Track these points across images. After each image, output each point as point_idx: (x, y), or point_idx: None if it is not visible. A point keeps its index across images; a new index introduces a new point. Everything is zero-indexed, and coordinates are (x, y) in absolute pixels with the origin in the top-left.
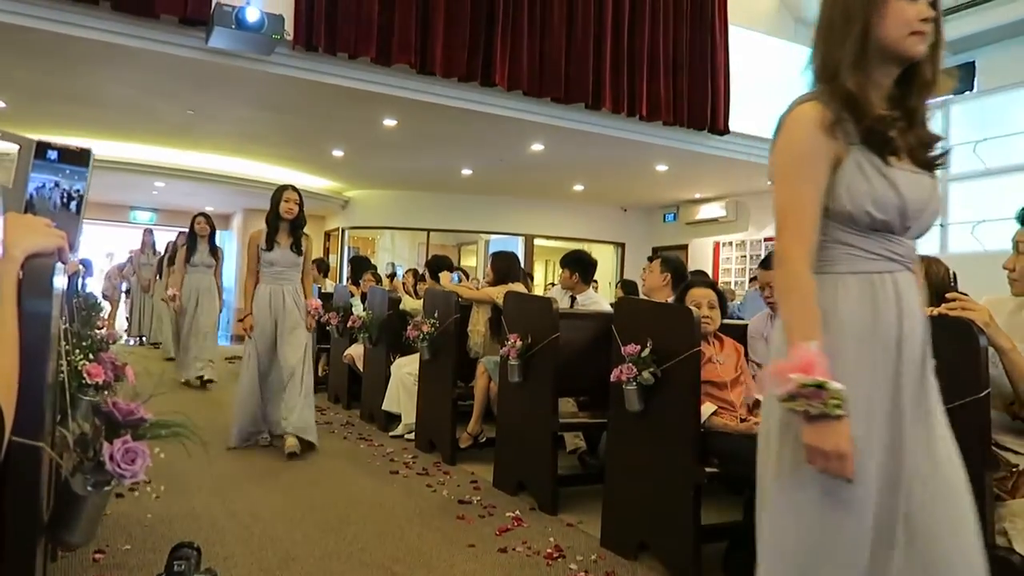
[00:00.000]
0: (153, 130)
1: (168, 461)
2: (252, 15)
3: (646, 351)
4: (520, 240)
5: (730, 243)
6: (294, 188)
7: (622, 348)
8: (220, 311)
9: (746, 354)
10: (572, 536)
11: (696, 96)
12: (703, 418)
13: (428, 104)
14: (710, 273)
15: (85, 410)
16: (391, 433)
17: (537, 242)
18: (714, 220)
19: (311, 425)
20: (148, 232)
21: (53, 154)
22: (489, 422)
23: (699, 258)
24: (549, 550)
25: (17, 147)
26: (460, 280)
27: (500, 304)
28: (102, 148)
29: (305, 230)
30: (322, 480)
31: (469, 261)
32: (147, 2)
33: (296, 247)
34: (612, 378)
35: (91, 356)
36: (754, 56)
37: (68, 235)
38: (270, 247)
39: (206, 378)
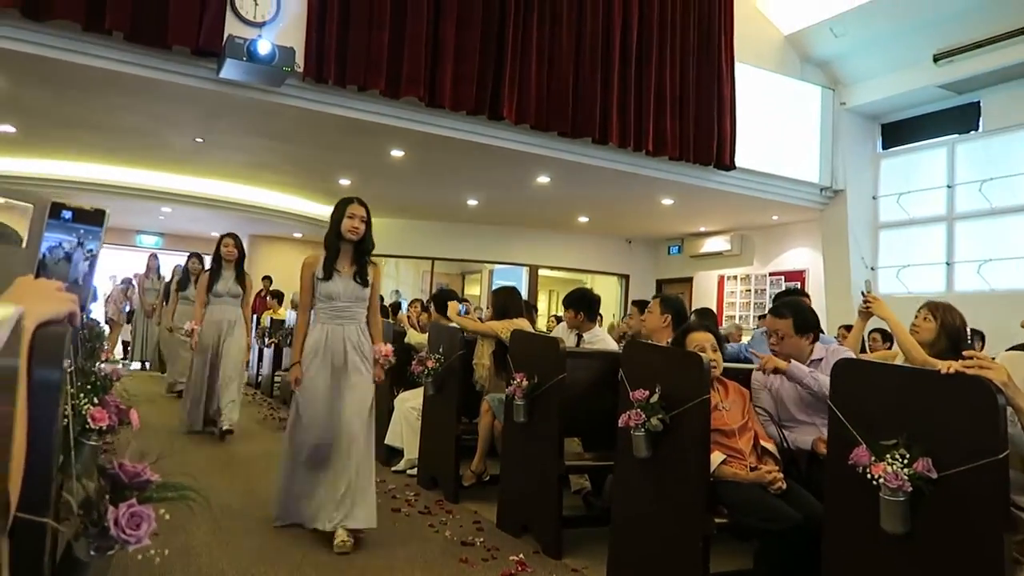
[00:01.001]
0: (161, 157)
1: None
2: (264, 48)
3: (655, 397)
4: (524, 271)
5: (734, 277)
6: (360, 201)
7: (630, 393)
8: (248, 349)
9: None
10: None
11: (702, 132)
12: (712, 467)
13: (436, 136)
14: (714, 306)
15: (88, 456)
16: (393, 468)
17: (541, 272)
18: (718, 253)
19: (373, 510)
20: (153, 256)
21: (67, 214)
22: (492, 459)
23: (703, 291)
24: None
25: (31, 207)
26: (467, 311)
27: (504, 339)
28: (109, 173)
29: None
30: None
31: (473, 290)
32: (160, 33)
33: (361, 276)
34: (620, 423)
35: (95, 399)
36: (760, 93)
37: (80, 296)
38: (328, 275)
39: (225, 428)
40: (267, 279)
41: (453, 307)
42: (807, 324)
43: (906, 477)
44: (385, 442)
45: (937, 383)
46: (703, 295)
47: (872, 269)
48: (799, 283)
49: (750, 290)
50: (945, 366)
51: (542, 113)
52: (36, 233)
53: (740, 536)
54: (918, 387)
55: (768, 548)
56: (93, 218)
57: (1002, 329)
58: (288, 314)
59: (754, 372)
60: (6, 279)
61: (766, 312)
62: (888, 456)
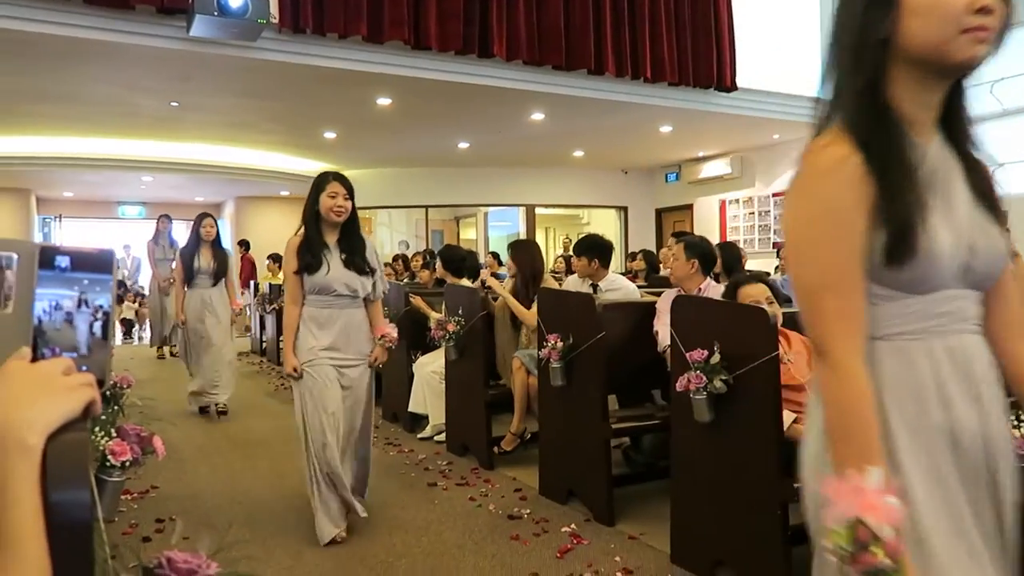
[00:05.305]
0: (136, 124)
1: (196, 494)
2: (235, 0)
3: (715, 357)
4: (520, 210)
5: (736, 200)
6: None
7: (686, 354)
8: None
9: None
10: (638, 552)
11: (701, 53)
12: (784, 427)
13: (424, 80)
14: (717, 233)
15: (112, 493)
16: (419, 435)
17: (538, 211)
18: (718, 177)
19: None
20: (164, 218)
21: (63, 260)
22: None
23: (705, 218)
24: (619, 573)
25: (14, 256)
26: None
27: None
28: (84, 145)
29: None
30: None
31: (468, 234)
32: None
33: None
34: (678, 387)
35: (112, 431)
36: (759, 6)
37: (97, 371)
38: (319, 263)
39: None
40: (243, 244)
41: (492, 279)
42: None
43: None
44: (409, 409)
45: None
46: (705, 221)
47: None
48: None
49: (754, 213)
50: None
51: (534, 47)
52: (26, 292)
53: None
54: None
55: None
56: (98, 262)
57: (1016, 234)
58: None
59: None
60: None
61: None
62: None
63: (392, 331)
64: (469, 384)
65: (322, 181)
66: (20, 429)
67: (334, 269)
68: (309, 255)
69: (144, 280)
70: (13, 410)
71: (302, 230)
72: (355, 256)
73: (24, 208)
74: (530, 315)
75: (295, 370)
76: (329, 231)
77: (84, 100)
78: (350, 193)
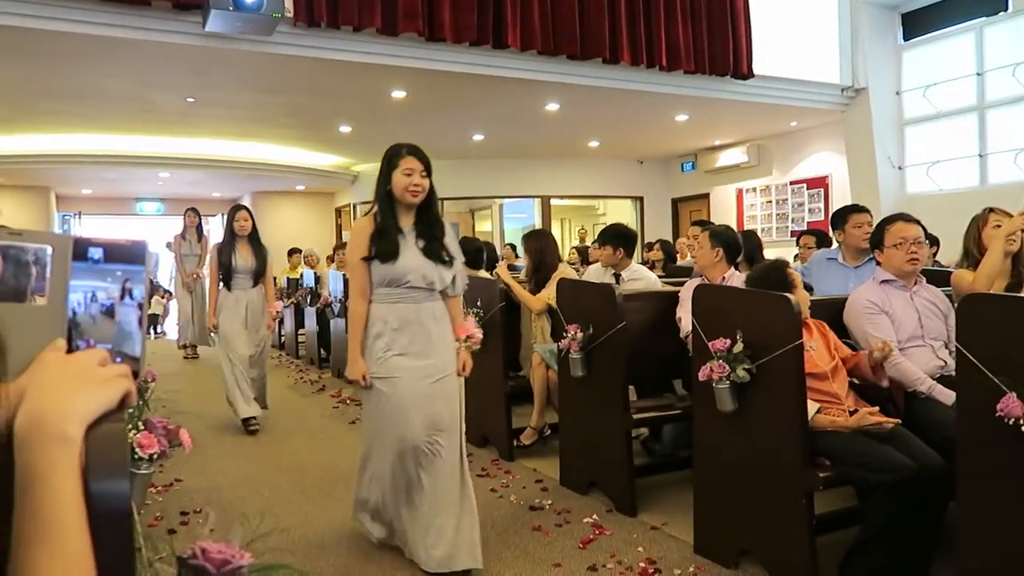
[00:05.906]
0: (153, 120)
1: (220, 486)
2: None
3: (738, 346)
4: (535, 202)
5: (754, 189)
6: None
7: (708, 343)
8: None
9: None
10: (661, 543)
11: (717, 40)
12: (807, 417)
13: (439, 72)
14: (734, 222)
15: (140, 485)
16: None
17: (553, 202)
18: (735, 166)
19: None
20: (192, 212)
21: (96, 252)
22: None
23: (722, 207)
24: (642, 564)
25: (49, 249)
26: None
27: (551, 306)
28: (100, 142)
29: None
30: None
31: (483, 226)
32: None
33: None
34: (700, 376)
35: (140, 424)
36: None
37: (132, 363)
38: (394, 251)
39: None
40: None
41: (503, 268)
42: None
43: None
44: None
45: None
46: (721, 211)
47: (899, 168)
48: (822, 189)
49: (771, 201)
50: None
51: (548, 37)
52: (60, 284)
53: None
54: None
55: (877, 502)
56: (131, 254)
57: None
58: (305, 273)
59: (856, 297)
60: (22, 355)
61: (801, 229)
62: None
63: (478, 331)
64: (489, 375)
65: (394, 155)
66: (59, 421)
67: (410, 257)
68: (384, 241)
69: (161, 277)
70: (51, 401)
71: (375, 210)
72: (433, 243)
73: (44, 206)
74: (533, 300)
75: (364, 378)
76: (403, 213)
77: (101, 97)
78: (428, 169)
